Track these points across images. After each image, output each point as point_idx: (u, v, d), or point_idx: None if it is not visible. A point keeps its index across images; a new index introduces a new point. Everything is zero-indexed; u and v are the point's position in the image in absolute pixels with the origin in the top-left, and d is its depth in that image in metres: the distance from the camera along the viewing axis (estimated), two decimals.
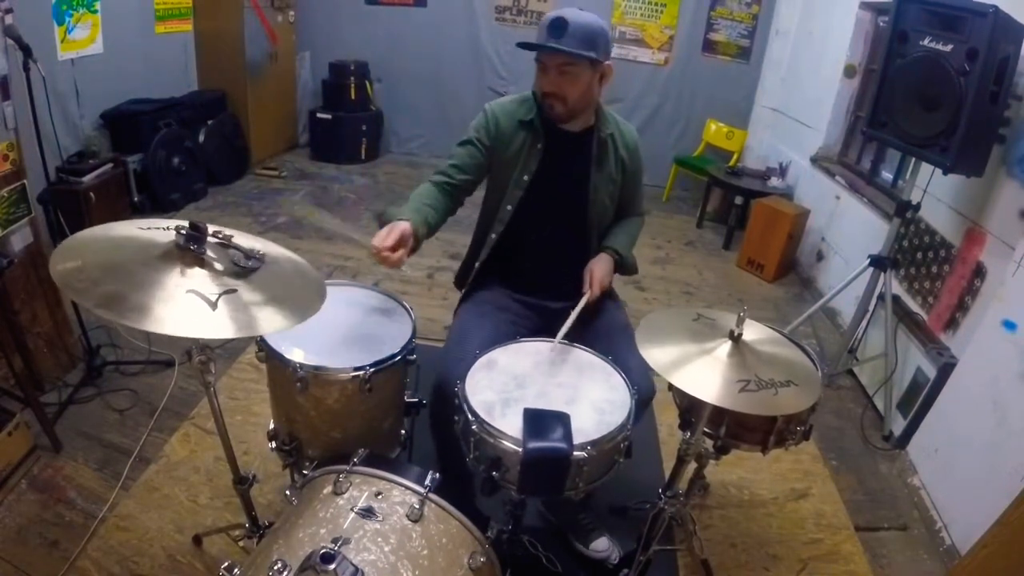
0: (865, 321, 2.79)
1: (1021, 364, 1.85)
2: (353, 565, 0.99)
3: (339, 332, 1.48)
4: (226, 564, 1.16)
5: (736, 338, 1.24)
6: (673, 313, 1.39)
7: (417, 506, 1.14)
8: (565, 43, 1.46)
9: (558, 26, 1.46)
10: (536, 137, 1.63)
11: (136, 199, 3.75)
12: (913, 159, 2.49)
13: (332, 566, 0.95)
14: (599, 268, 1.66)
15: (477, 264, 1.75)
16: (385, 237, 1.35)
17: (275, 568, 0.97)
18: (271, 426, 1.58)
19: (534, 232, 1.71)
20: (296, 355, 1.37)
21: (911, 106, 2.24)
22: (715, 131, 5.10)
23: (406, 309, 1.59)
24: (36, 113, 2.08)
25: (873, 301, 2.72)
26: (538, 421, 1.22)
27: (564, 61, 1.50)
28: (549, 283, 1.75)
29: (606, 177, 1.69)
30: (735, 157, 4.95)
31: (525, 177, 1.64)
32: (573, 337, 1.54)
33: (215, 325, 1.01)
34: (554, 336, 1.51)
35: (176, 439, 2.09)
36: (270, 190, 4.58)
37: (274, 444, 1.55)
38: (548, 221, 1.70)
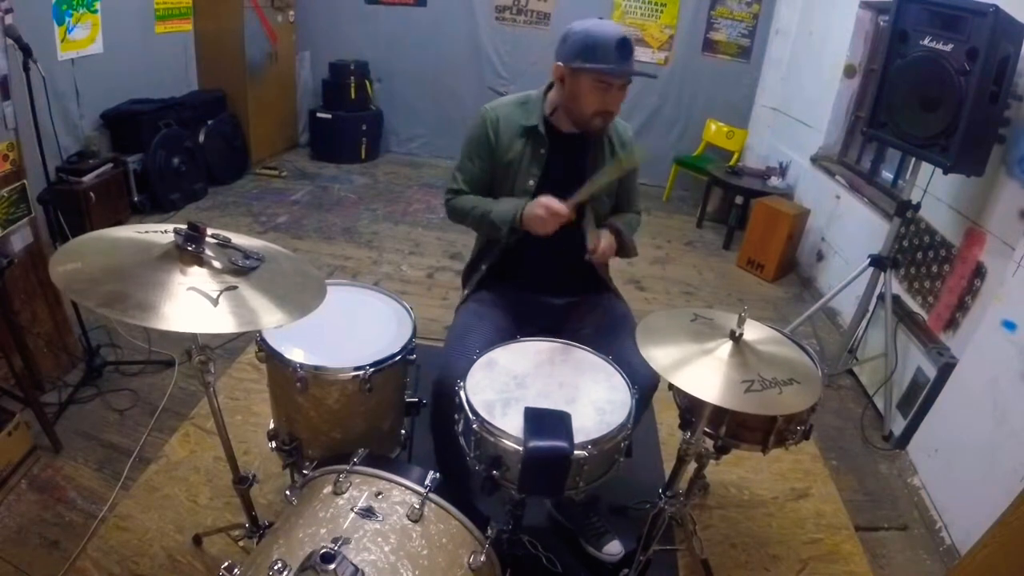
0: (865, 321, 2.79)
1: (1021, 364, 1.85)
2: (353, 565, 0.99)
3: (339, 332, 1.48)
4: (226, 564, 1.16)
5: (737, 338, 1.24)
6: (672, 314, 1.39)
7: (417, 506, 1.14)
8: (634, 65, 1.53)
9: (627, 47, 1.50)
10: (539, 142, 1.64)
11: (136, 199, 3.75)
12: (913, 159, 2.49)
13: (332, 566, 0.95)
14: (605, 234, 1.64)
15: (484, 266, 1.76)
16: (552, 201, 1.49)
17: (275, 568, 0.97)
18: (271, 426, 1.59)
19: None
20: (296, 355, 1.37)
21: (911, 106, 2.24)
22: (715, 131, 5.09)
23: (406, 309, 1.60)
24: (36, 113, 2.08)
25: (873, 301, 2.72)
26: (539, 420, 1.22)
27: (627, 80, 1.54)
28: (550, 281, 1.76)
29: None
30: (735, 157, 4.94)
31: (531, 183, 1.65)
32: (577, 333, 1.53)
33: (217, 321, 1.01)
34: (555, 335, 1.51)
35: (176, 439, 2.09)
36: (270, 190, 4.58)
37: (274, 444, 1.55)
38: None
